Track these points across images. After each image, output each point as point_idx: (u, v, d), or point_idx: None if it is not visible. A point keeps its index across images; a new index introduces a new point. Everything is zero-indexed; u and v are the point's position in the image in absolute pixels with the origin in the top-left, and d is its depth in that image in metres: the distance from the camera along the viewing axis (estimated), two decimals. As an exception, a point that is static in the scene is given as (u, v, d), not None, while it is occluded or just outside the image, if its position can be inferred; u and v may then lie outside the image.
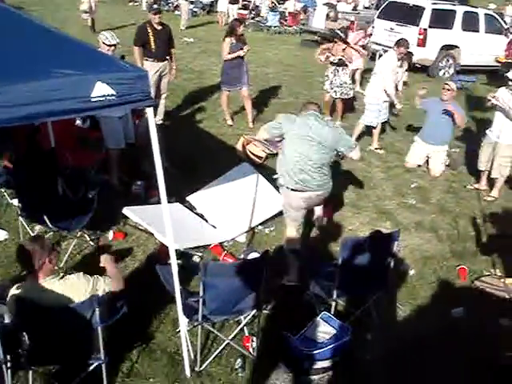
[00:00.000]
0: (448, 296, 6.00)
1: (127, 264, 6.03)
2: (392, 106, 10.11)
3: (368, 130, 10.31)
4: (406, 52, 10.00)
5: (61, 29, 4.51)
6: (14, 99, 3.08)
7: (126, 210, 6.30)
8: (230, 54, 10.11)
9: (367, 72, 14.63)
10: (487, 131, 8.50)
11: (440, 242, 7.12)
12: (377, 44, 14.73)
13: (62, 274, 4.10)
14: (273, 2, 25.38)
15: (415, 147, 9.48)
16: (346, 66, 10.82)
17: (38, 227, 6.16)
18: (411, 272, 6.33)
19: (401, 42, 9.78)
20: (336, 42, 10.82)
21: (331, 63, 10.75)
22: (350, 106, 12.12)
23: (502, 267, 6.54)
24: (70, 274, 4.16)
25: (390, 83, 9.60)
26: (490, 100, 8.10)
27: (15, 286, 4.02)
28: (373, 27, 14.13)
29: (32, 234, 5.94)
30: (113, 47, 7.34)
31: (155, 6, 10.12)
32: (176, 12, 25.80)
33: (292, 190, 5.75)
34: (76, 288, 4.00)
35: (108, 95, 3.36)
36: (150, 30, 9.63)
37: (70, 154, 7.07)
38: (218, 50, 10.71)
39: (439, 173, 9.23)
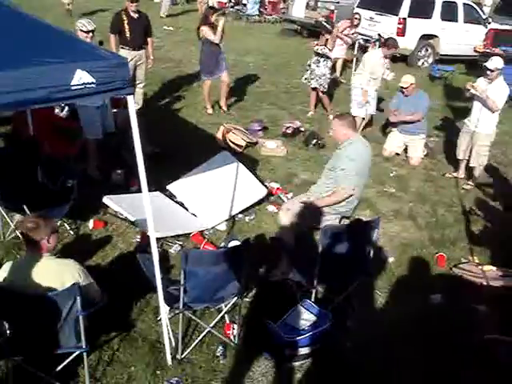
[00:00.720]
0: (427, 283, 6.06)
1: (107, 253, 6.01)
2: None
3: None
4: (394, 52, 10.10)
5: (38, 16, 4.46)
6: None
7: (106, 199, 6.29)
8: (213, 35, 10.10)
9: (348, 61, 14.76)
10: (465, 120, 8.58)
11: (419, 230, 7.19)
12: (356, 33, 14.76)
13: (58, 255, 4.12)
14: None
15: (392, 136, 9.57)
16: (329, 58, 10.79)
17: (17, 216, 6.11)
18: (390, 259, 6.39)
19: (390, 43, 9.93)
20: (323, 34, 10.79)
21: (315, 53, 10.74)
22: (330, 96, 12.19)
23: (479, 254, 6.63)
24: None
25: (378, 79, 9.84)
26: (468, 89, 8.17)
27: (5, 265, 4.09)
28: (358, 18, 14.11)
29: (11, 223, 5.92)
30: (90, 34, 7.25)
31: None
32: (155, 0, 25.59)
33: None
34: (67, 271, 4.04)
35: (88, 83, 3.34)
36: (125, 18, 9.56)
37: (48, 143, 7.01)
38: (197, 38, 10.66)
39: (418, 161, 9.31)
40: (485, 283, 6.00)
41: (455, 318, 5.40)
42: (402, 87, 9.05)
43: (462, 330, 5.22)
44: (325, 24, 11.08)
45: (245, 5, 24.11)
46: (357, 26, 14.13)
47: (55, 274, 3.98)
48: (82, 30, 7.22)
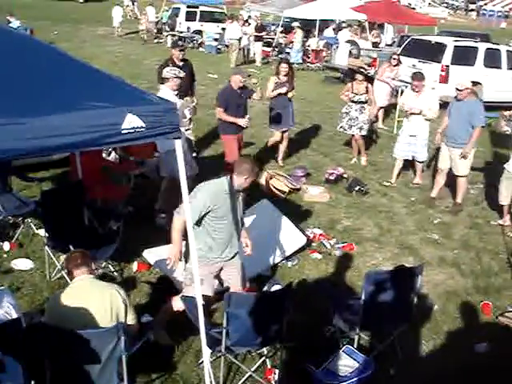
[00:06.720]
0: (471, 331, 5.96)
1: (151, 295, 6.06)
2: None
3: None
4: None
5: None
6: (47, 130, 3.19)
7: (145, 253, 6.39)
8: (272, 91, 10.24)
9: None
10: (505, 165, 8.48)
11: (463, 278, 7.08)
12: (399, 80, 14.83)
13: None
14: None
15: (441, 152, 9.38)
16: (368, 104, 10.87)
17: (63, 257, 6.23)
18: (435, 307, 6.30)
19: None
20: (356, 80, 10.84)
21: (354, 101, 10.78)
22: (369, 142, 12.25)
23: (526, 303, 6.49)
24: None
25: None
26: (506, 116, 8.05)
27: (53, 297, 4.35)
28: (397, 58, 14.06)
29: (57, 264, 6.03)
30: None
31: (179, 43, 10.72)
32: (200, 49, 26.33)
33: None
34: (112, 297, 4.20)
35: (138, 127, 3.46)
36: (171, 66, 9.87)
37: (96, 186, 7.17)
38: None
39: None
40: (532, 333, 5.87)
41: (501, 368, 5.27)
42: (456, 89, 8.95)
43: (507, 380, 5.09)
44: (362, 70, 11.18)
45: (288, 53, 24.46)
46: (396, 66, 14.11)
47: (104, 289, 4.22)
48: None
